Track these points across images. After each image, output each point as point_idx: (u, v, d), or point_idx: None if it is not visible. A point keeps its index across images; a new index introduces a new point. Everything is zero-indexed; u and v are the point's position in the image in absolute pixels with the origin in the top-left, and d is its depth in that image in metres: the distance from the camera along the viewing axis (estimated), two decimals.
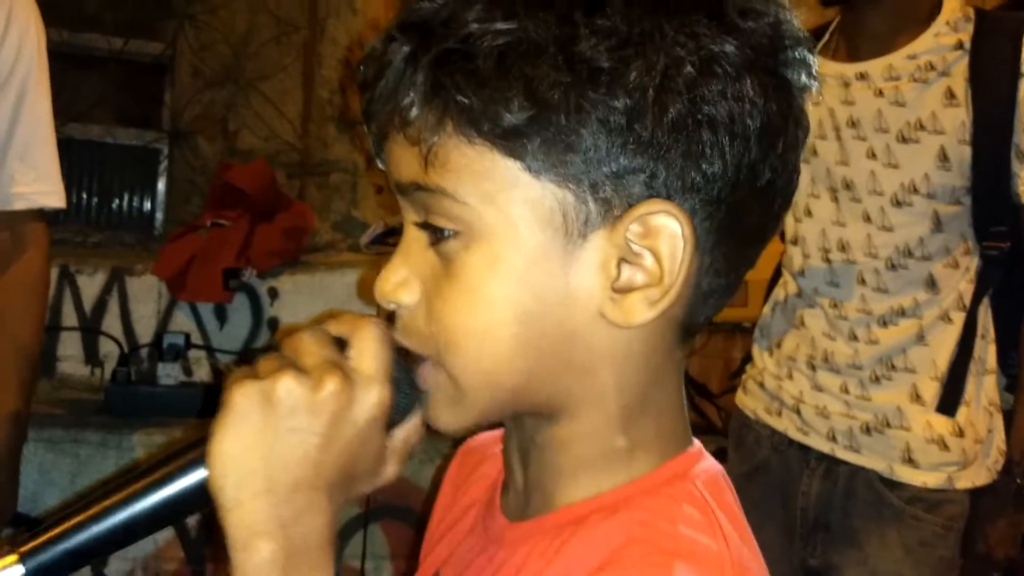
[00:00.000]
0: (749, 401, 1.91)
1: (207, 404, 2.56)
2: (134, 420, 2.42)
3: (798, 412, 1.80)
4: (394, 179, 0.66)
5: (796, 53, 0.64)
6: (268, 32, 3.44)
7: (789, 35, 0.64)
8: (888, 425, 1.71)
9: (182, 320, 2.83)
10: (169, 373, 2.62)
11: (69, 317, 2.80)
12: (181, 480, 0.63)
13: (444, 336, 0.64)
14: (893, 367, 1.72)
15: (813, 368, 1.79)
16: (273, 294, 2.86)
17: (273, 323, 2.86)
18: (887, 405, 1.72)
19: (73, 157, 3.36)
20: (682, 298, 0.63)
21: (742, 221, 0.64)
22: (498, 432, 0.82)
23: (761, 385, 1.88)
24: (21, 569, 0.61)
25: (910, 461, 1.70)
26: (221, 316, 2.84)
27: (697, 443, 0.70)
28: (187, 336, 2.72)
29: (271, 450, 0.61)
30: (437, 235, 0.64)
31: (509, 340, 0.63)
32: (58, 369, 2.78)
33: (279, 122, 3.44)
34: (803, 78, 0.65)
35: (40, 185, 1.81)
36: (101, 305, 2.83)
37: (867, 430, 1.73)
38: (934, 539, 1.69)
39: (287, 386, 0.61)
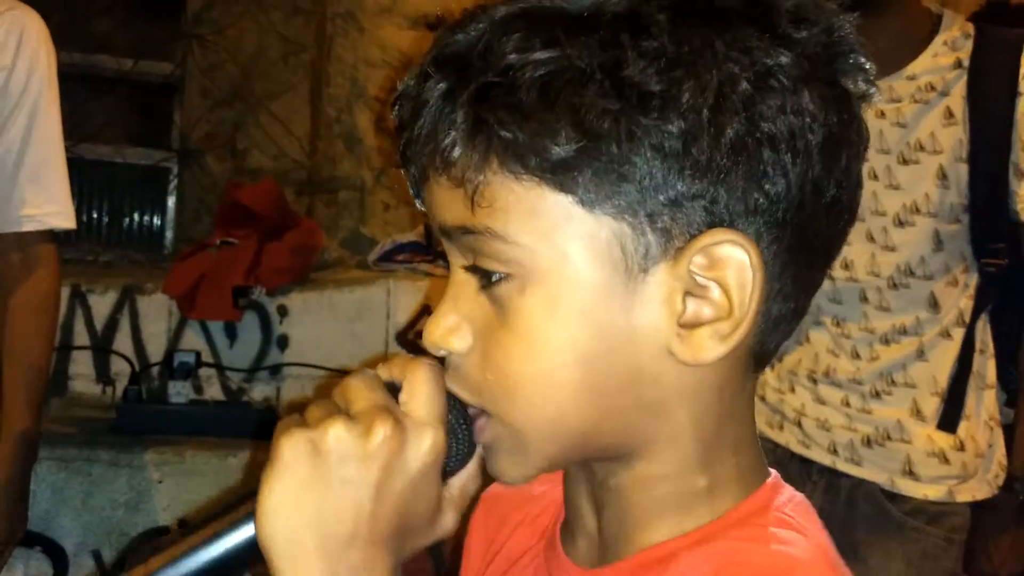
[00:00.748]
0: None
1: (217, 423, 2.57)
2: (145, 438, 2.43)
3: (799, 425, 1.80)
4: (437, 222, 0.62)
5: (852, 60, 0.61)
6: (276, 52, 3.47)
7: (844, 42, 0.61)
8: (889, 438, 1.72)
9: (192, 338, 2.85)
10: (180, 391, 2.64)
11: (80, 336, 2.82)
12: (231, 537, 0.61)
13: (503, 384, 0.61)
14: (893, 382, 1.73)
15: (814, 382, 1.80)
16: (283, 312, 2.88)
17: (283, 341, 2.88)
18: (888, 419, 1.72)
19: (84, 177, 3.38)
20: (752, 328, 0.60)
21: (810, 241, 0.61)
22: None
23: (762, 399, 1.89)
24: None
25: (911, 474, 1.70)
26: (231, 334, 2.86)
27: (774, 473, 0.67)
28: (198, 354, 2.74)
29: (322, 503, 0.58)
30: (488, 278, 0.61)
31: (573, 385, 0.60)
32: (70, 388, 2.80)
33: (287, 141, 3.46)
34: (861, 85, 0.62)
35: (50, 207, 1.83)
36: (112, 324, 2.85)
37: (868, 443, 1.73)
38: (936, 551, 1.69)
39: (337, 434, 0.59)
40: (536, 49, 0.57)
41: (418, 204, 0.65)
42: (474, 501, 0.73)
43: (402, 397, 0.62)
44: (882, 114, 1.72)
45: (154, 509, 2.36)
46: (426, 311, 2.90)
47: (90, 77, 3.37)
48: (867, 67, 0.62)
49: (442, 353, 0.63)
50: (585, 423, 0.61)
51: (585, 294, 0.59)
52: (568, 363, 0.59)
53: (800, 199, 0.59)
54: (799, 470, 1.81)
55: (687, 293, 0.59)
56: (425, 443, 0.60)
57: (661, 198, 0.57)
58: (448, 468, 0.63)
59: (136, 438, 2.44)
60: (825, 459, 1.78)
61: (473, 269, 0.61)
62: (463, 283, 0.62)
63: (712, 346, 0.59)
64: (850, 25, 0.62)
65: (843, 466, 1.76)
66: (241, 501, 0.62)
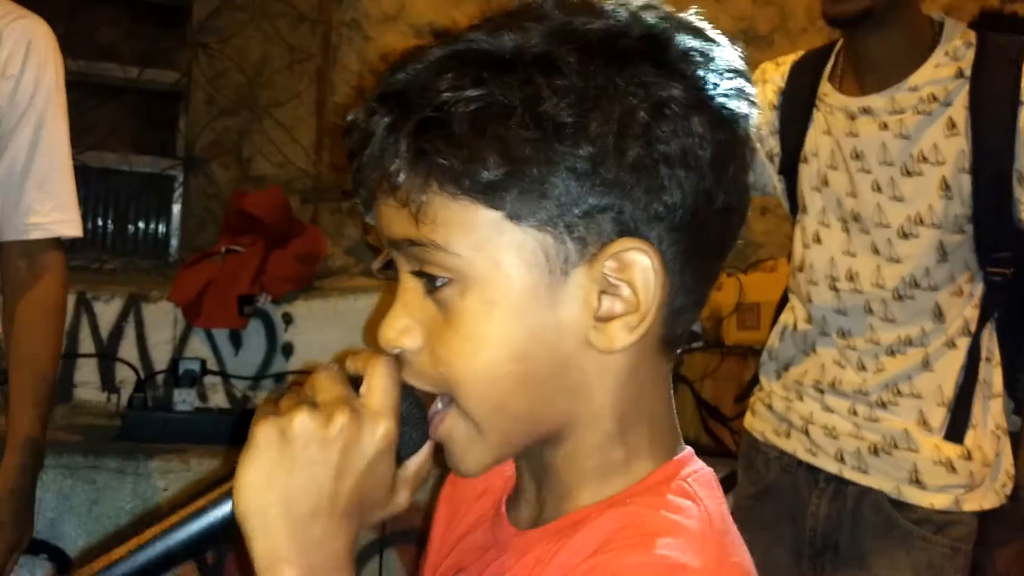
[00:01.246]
0: (757, 423, 1.91)
1: (222, 431, 2.57)
2: (151, 446, 2.43)
3: (807, 433, 1.80)
4: (387, 235, 0.72)
5: (734, 85, 0.71)
6: (281, 60, 3.47)
7: (726, 69, 0.71)
8: (896, 447, 1.72)
9: (197, 346, 2.85)
10: (185, 399, 2.64)
11: (86, 343, 2.82)
12: (212, 513, 0.70)
13: (452, 377, 0.70)
14: (899, 393, 1.73)
15: (821, 392, 1.80)
16: (287, 319, 2.89)
17: (288, 348, 2.88)
18: (895, 428, 1.72)
19: (89, 185, 3.39)
20: (658, 319, 0.70)
21: (704, 241, 0.72)
22: None
23: (769, 407, 1.89)
24: None
25: (918, 482, 1.70)
26: (236, 342, 2.86)
27: (688, 448, 0.77)
28: (203, 362, 2.74)
29: (289, 481, 0.67)
30: (432, 283, 0.70)
31: (511, 375, 0.69)
32: (74, 395, 2.80)
33: (292, 148, 3.47)
34: (744, 107, 0.72)
35: (57, 215, 1.84)
36: (117, 331, 2.85)
37: (875, 451, 1.73)
38: (942, 560, 1.69)
39: (301, 421, 0.67)
40: (467, 87, 0.66)
41: (368, 220, 0.74)
42: (441, 479, 0.88)
43: (361, 389, 0.70)
44: (885, 126, 1.72)
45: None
46: None
47: (96, 85, 3.38)
48: (747, 90, 0.72)
49: (396, 351, 0.72)
50: (525, 409, 0.71)
51: (516, 296, 0.69)
52: (506, 357, 0.69)
53: (695, 207, 0.69)
54: (806, 477, 1.81)
55: (602, 292, 0.69)
56: (379, 430, 0.69)
57: (576, 211, 0.67)
58: (402, 453, 0.72)
59: (141, 446, 2.43)
60: (832, 467, 1.78)
61: (419, 274, 0.71)
62: (411, 288, 0.72)
63: (623, 336, 0.69)
64: (735, 54, 0.73)
65: (850, 474, 1.76)
66: (220, 482, 0.71)
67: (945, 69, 1.70)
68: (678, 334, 0.74)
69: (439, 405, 0.73)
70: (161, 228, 3.62)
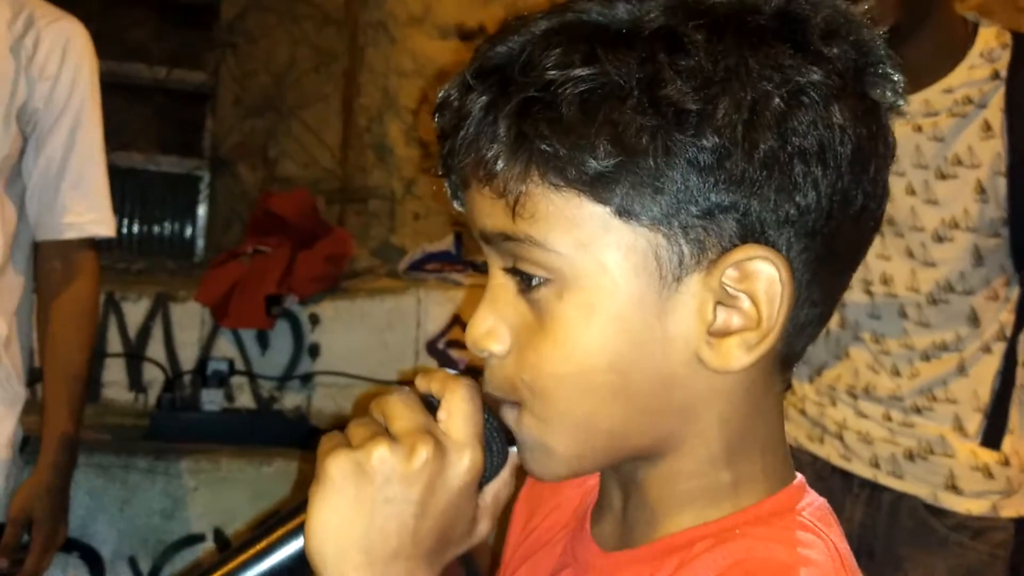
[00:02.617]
0: (790, 429, 1.90)
1: (250, 431, 2.58)
2: (181, 446, 2.44)
3: (840, 439, 1.79)
4: (478, 228, 0.65)
5: (881, 71, 0.63)
6: (308, 62, 3.49)
7: (873, 54, 0.63)
8: (932, 452, 1.71)
9: (225, 346, 2.87)
10: (213, 399, 2.65)
11: (113, 343, 2.84)
12: (282, 551, 0.65)
13: (538, 385, 0.63)
14: (934, 398, 1.72)
15: (855, 398, 1.79)
16: (314, 320, 2.89)
17: (314, 349, 2.88)
18: (931, 434, 1.71)
19: (116, 185, 3.40)
20: (780, 336, 0.62)
21: (837, 249, 0.63)
22: None
23: (802, 412, 1.87)
24: None
25: (954, 488, 1.69)
26: (263, 342, 2.87)
27: (800, 477, 0.69)
28: (231, 362, 2.75)
29: (369, 522, 0.62)
30: (527, 282, 0.63)
31: (605, 388, 0.62)
32: (103, 395, 2.82)
33: (318, 150, 3.48)
34: (889, 96, 0.64)
35: (91, 215, 1.85)
36: (145, 332, 2.86)
37: (911, 457, 1.72)
38: (981, 567, 1.68)
39: (381, 456, 0.62)
40: (576, 65, 0.59)
41: (456, 206, 0.67)
42: (519, 485, 0.77)
43: (441, 415, 0.64)
44: (919, 128, 1.71)
45: (189, 517, 2.37)
46: (456, 321, 2.90)
47: (125, 86, 3.40)
48: (895, 78, 0.64)
49: (482, 354, 0.66)
50: (615, 425, 0.63)
51: (620, 301, 0.61)
52: (601, 367, 0.62)
53: (829, 210, 0.61)
54: (840, 483, 1.79)
55: (718, 303, 0.61)
56: (464, 462, 0.63)
57: (695, 210, 0.59)
58: (483, 480, 0.66)
59: (171, 445, 2.45)
60: (867, 472, 1.76)
61: (513, 272, 0.64)
62: (502, 286, 0.65)
63: (740, 355, 0.61)
64: (880, 37, 0.64)
65: (885, 479, 1.74)
66: (289, 516, 0.66)
67: (980, 71, 1.68)
68: (797, 352, 0.66)
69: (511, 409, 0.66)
70: (187, 228, 3.64)
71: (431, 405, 0.65)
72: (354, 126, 3.49)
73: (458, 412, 0.64)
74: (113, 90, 1.95)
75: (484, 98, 0.61)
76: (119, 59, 3.35)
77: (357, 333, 2.89)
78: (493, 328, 0.65)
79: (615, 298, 0.61)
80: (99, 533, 2.32)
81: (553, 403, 0.63)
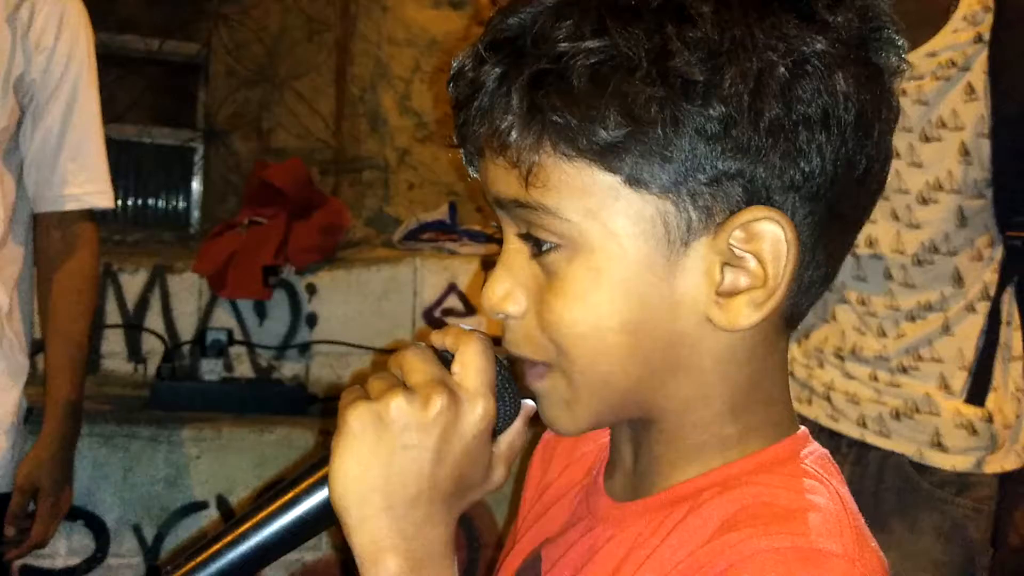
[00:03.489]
0: None
1: (249, 399, 2.61)
2: (183, 415, 2.47)
3: (828, 399, 1.82)
4: (492, 195, 0.67)
5: (885, 36, 0.65)
6: (300, 31, 3.48)
7: (877, 19, 0.65)
8: (918, 411, 1.74)
9: (223, 316, 2.89)
10: (212, 369, 2.67)
11: (112, 315, 2.86)
12: (306, 502, 0.68)
13: (559, 343, 0.66)
14: (920, 358, 1.75)
15: (841, 359, 1.82)
16: (311, 290, 2.91)
17: (311, 319, 2.91)
18: (916, 393, 1.74)
19: (110, 157, 3.41)
20: (785, 294, 0.64)
21: (841, 212, 0.65)
22: None
23: (791, 375, 1.91)
24: None
25: (939, 446, 1.72)
26: (261, 312, 2.89)
27: (803, 428, 0.71)
28: (230, 332, 2.77)
29: (388, 468, 0.65)
30: (539, 247, 0.66)
31: (619, 346, 0.65)
32: (102, 366, 2.84)
33: (312, 120, 3.48)
34: (893, 60, 0.66)
35: (90, 186, 1.87)
36: (143, 303, 2.88)
37: (897, 415, 1.75)
38: (964, 521, 1.71)
39: (398, 406, 0.64)
40: (586, 37, 0.61)
41: (471, 172, 0.70)
42: (533, 442, 0.81)
43: (455, 367, 0.67)
44: (904, 92, 1.72)
45: (192, 484, 2.40)
46: (452, 289, 2.93)
47: (117, 57, 3.39)
48: (899, 43, 0.66)
49: (498, 317, 0.69)
50: (630, 382, 0.66)
51: (629, 266, 0.64)
52: (613, 327, 0.65)
53: (833, 174, 0.63)
54: (828, 443, 1.80)
55: (725, 264, 0.64)
56: (478, 411, 0.66)
57: (702, 177, 0.61)
58: (496, 428, 0.69)
59: (174, 414, 2.47)
60: (854, 432, 1.80)
61: (526, 237, 0.67)
62: (516, 251, 0.68)
63: (748, 313, 0.64)
64: (883, 2, 0.65)
65: (872, 438, 1.78)
66: (310, 470, 0.68)
67: (963, 34, 1.70)
68: (802, 311, 0.68)
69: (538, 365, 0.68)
70: (182, 200, 3.65)
71: (445, 359, 0.68)
72: (347, 96, 3.49)
73: (471, 364, 0.67)
74: (106, 62, 1.95)
75: (497, 70, 0.63)
76: (111, 31, 3.34)
77: (353, 302, 2.91)
78: (509, 291, 0.67)
79: (624, 263, 0.64)
80: (103, 501, 2.35)
81: (575, 360, 0.66)
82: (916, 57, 1.72)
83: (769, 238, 0.63)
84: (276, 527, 0.68)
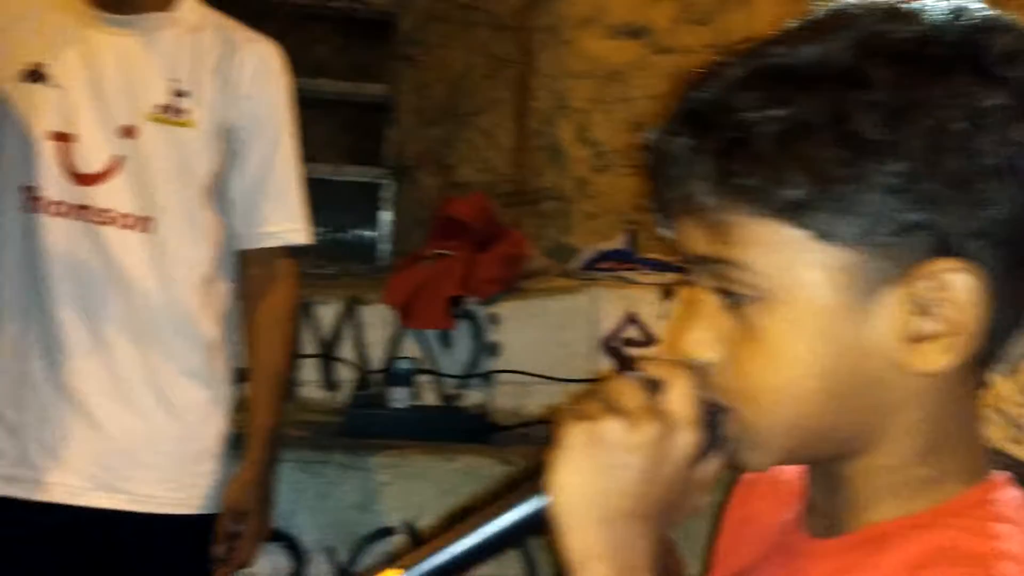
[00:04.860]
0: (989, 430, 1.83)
1: (435, 427, 2.67)
2: (372, 442, 2.55)
3: None
4: (686, 252, 0.72)
5: None
6: (482, 68, 3.57)
7: None
8: None
9: (409, 346, 2.96)
10: (399, 397, 2.75)
11: (307, 344, 2.98)
12: (523, 508, 0.73)
13: (748, 392, 0.70)
14: None
15: None
16: (494, 320, 2.96)
17: (494, 348, 2.95)
18: None
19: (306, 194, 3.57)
20: (977, 338, 0.66)
21: None
22: None
23: (999, 411, 1.81)
24: None
25: None
26: (445, 342, 2.96)
27: (1003, 473, 0.73)
28: (416, 361, 2.85)
29: (605, 483, 0.69)
30: (734, 299, 0.70)
31: (812, 394, 0.69)
32: (298, 393, 2.96)
33: (493, 154, 3.56)
34: None
35: (289, 224, 1.97)
36: (336, 333, 2.99)
37: None
38: None
39: (612, 427, 0.69)
40: (771, 106, 0.66)
41: (665, 233, 0.75)
42: (733, 480, 0.88)
43: (664, 396, 0.71)
44: None
45: (381, 510, 2.46)
46: (630, 318, 2.92)
47: (310, 100, 3.56)
48: None
49: (696, 363, 0.73)
50: (821, 425, 0.70)
51: (822, 315, 0.67)
52: (808, 375, 0.68)
53: (1020, 217, 0.66)
54: None
55: (916, 312, 0.66)
56: (685, 438, 0.70)
57: (888, 229, 0.65)
58: (700, 457, 0.73)
59: (364, 441, 2.55)
60: None
61: (720, 291, 0.71)
62: (712, 302, 0.72)
63: (940, 358, 0.67)
64: None
65: None
66: (525, 480, 0.74)
67: None
68: (996, 352, 0.71)
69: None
70: (371, 234, 3.79)
71: (653, 384, 0.72)
72: (527, 129, 3.55)
73: (679, 394, 0.71)
74: (301, 104, 2.06)
75: (689, 140, 0.69)
76: (304, 75, 3.51)
77: (534, 332, 2.94)
78: (706, 340, 0.72)
79: (817, 312, 0.67)
80: (300, 525, 2.44)
81: (762, 407, 0.70)
82: None
83: (958, 286, 0.65)
84: (493, 529, 0.74)
